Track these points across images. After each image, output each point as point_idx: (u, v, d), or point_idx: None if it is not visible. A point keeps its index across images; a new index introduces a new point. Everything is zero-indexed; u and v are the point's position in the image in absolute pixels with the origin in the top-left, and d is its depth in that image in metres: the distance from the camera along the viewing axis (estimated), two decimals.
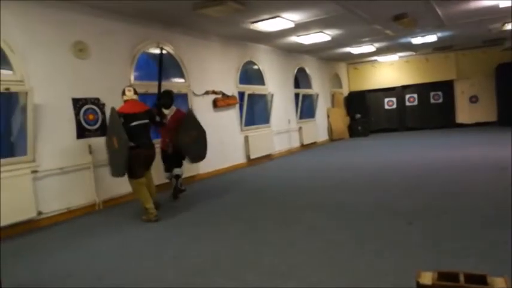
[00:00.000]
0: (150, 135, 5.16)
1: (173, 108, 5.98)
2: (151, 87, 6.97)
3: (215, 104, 8.24)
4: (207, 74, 8.17)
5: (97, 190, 5.75)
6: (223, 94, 8.48)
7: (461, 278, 1.66)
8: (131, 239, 4.24)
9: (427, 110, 15.08)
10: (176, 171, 5.99)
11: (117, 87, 6.19)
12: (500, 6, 7.92)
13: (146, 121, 5.03)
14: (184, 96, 7.58)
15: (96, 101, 5.86)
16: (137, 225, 4.77)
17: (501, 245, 3.07)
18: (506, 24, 10.17)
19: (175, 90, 7.43)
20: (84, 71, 5.75)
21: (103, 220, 5.24)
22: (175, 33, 7.36)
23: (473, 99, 14.47)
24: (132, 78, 6.49)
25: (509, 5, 7.80)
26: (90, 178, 5.70)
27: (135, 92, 5.22)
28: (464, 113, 14.62)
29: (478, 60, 14.15)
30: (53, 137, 5.30)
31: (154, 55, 7.43)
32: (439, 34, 10.78)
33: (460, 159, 7.47)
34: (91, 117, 5.79)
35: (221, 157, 8.33)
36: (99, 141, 5.81)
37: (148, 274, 3.18)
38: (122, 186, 6.09)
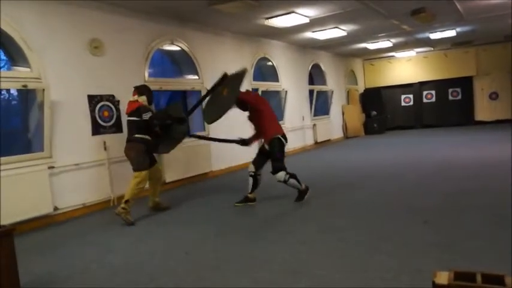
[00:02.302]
0: (130, 132, 5.01)
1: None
2: (166, 83, 7.03)
3: None
4: (221, 71, 8.09)
5: (112, 186, 5.80)
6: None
7: (479, 278, 1.62)
8: (145, 234, 4.26)
9: (445, 107, 14.77)
10: (277, 177, 4.97)
11: (132, 84, 6.23)
12: None
13: (132, 118, 4.99)
14: (197, 94, 7.59)
15: (111, 98, 5.90)
16: (151, 221, 4.80)
17: None
18: None
19: (188, 88, 7.48)
20: (99, 68, 5.79)
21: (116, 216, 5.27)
22: (189, 29, 7.36)
23: (493, 96, 14.10)
24: (147, 75, 6.52)
25: None
26: (105, 174, 5.75)
27: (134, 94, 5.18)
28: (483, 111, 14.27)
29: (498, 55, 13.76)
30: (69, 133, 5.36)
31: (168, 52, 7.46)
32: (458, 29, 10.52)
33: (478, 158, 7.30)
34: (106, 114, 5.84)
35: (234, 154, 8.31)
36: (114, 138, 5.87)
37: (161, 270, 3.19)
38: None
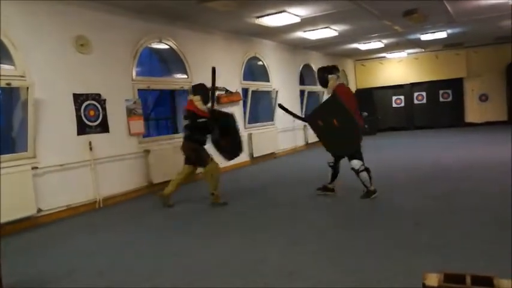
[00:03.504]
0: (188, 131, 5.20)
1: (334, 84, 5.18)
2: (154, 83, 6.91)
3: (218, 101, 8.10)
4: (210, 70, 8.03)
5: (98, 187, 5.67)
6: (227, 90, 8.36)
7: (468, 280, 1.64)
8: (132, 237, 4.15)
9: (436, 108, 14.82)
10: (351, 164, 4.97)
11: (119, 82, 6.14)
12: (511, 3, 7.70)
13: (186, 120, 5.23)
14: (186, 93, 7.47)
15: (97, 97, 5.77)
16: (137, 224, 4.70)
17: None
18: None
19: (177, 87, 7.37)
20: (85, 66, 5.66)
21: (103, 218, 5.17)
22: (178, 27, 7.24)
23: (483, 98, 14.19)
24: (134, 73, 6.40)
25: None
26: (91, 175, 5.62)
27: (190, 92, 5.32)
28: (473, 112, 14.35)
29: (489, 57, 13.84)
30: (54, 132, 5.23)
31: (156, 50, 7.34)
32: (449, 31, 10.55)
33: (470, 159, 7.29)
34: (92, 113, 5.71)
35: None
36: (100, 138, 5.75)
37: (148, 272, 3.11)
38: (123, 184, 6.05)
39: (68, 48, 5.44)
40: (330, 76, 5.16)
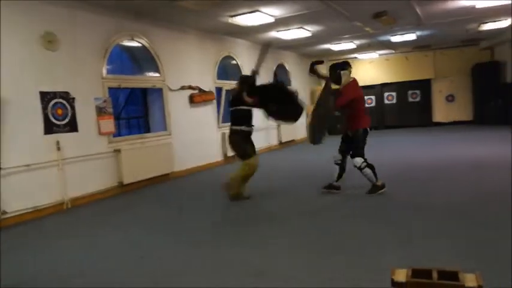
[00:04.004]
0: (232, 123, 5.30)
1: (348, 80, 5.22)
2: (125, 81, 6.77)
3: (191, 100, 8.05)
4: (184, 69, 7.97)
5: (65, 188, 5.51)
6: (200, 89, 8.29)
7: (434, 275, 1.69)
8: (100, 238, 4.05)
9: (405, 108, 15.22)
10: (354, 162, 5.03)
11: (89, 80, 5.98)
12: (477, 6, 7.99)
13: (231, 109, 5.33)
14: (159, 91, 7.37)
15: (65, 95, 5.60)
16: (106, 225, 4.59)
17: (481, 243, 3.09)
18: (482, 25, 10.32)
19: (149, 85, 7.25)
20: (53, 63, 5.48)
21: (71, 219, 5.02)
22: (150, 25, 7.12)
23: (450, 98, 14.68)
24: (105, 71, 6.24)
25: (485, 5, 7.88)
26: (59, 176, 5.45)
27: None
28: (441, 112, 14.83)
29: (455, 59, 14.34)
30: (19, 132, 5.03)
31: (128, 48, 7.19)
32: (418, 33, 10.86)
33: (439, 158, 7.51)
34: (60, 111, 5.53)
35: (197, 155, 8.16)
36: (69, 137, 5.59)
37: (116, 275, 3.04)
38: (92, 184, 5.90)
39: (34, 45, 5.25)
40: (342, 72, 5.16)
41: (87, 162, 5.85)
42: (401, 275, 1.71)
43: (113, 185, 6.25)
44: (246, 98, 5.12)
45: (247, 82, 5.26)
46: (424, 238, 3.35)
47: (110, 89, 6.36)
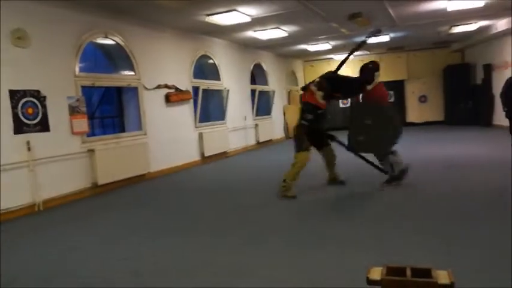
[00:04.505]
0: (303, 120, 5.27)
1: (376, 82, 5.34)
2: (99, 79, 6.62)
3: (168, 99, 7.94)
4: (159, 67, 7.87)
5: (37, 190, 5.33)
6: (177, 88, 8.20)
7: (408, 272, 1.72)
8: (77, 241, 3.93)
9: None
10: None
11: (61, 79, 5.81)
12: (448, 9, 8.23)
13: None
14: (134, 90, 7.24)
15: (36, 94, 5.42)
16: (82, 227, 4.47)
17: (452, 240, 3.17)
18: (453, 28, 10.64)
19: (124, 84, 7.12)
20: (23, 60, 5.29)
21: (43, 222, 4.86)
22: (125, 23, 6.99)
23: (423, 99, 15.08)
24: (77, 69, 6.08)
25: (457, 8, 8.12)
26: (29, 177, 5.27)
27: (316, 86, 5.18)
28: (414, 112, 15.20)
29: (427, 61, 14.74)
30: None
31: (102, 45, 7.04)
32: (392, 34, 11.08)
33: (413, 157, 7.67)
34: (30, 110, 5.34)
35: (174, 154, 8.07)
36: (40, 137, 5.41)
37: (96, 276, 2.97)
38: (65, 185, 5.74)
39: (3, 41, 5.05)
40: (376, 73, 5.25)
41: (59, 163, 5.68)
42: (376, 273, 1.74)
43: (87, 186, 6.10)
44: (319, 100, 5.18)
45: (324, 84, 5.20)
46: (402, 236, 3.41)
47: (83, 87, 6.20)
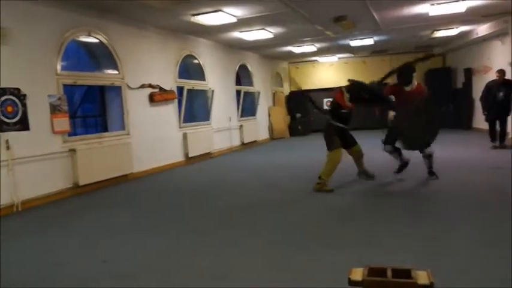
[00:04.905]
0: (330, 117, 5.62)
1: (414, 82, 5.66)
2: (81, 78, 6.51)
3: (152, 99, 7.86)
4: (144, 67, 7.78)
5: (16, 190, 5.21)
6: (161, 88, 8.12)
7: (389, 273, 1.75)
8: (54, 244, 3.85)
9: (364, 111, 15.65)
10: (427, 150, 5.58)
11: (42, 77, 5.69)
12: (430, 14, 8.38)
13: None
14: (117, 89, 7.14)
15: (16, 92, 5.29)
16: (61, 228, 4.38)
17: (428, 240, 3.21)
18: (435, 32, 10.85)
19: (107, 83, 7.02)
20: (3, 58, 5.15)
21: (21, 223, 4.75)
22: (109, 21, 6.89)
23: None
24: (59, 67, 5.96)
25: (438, 13, 8.28)
26: (8, 177, 5.14)
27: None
28: None
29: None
30: None
31: (85, 44, 6.92)
32: (376, 38, 11.23)
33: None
34: (10, 109, 5.22)
35: (157, 155, 8.00)
36: (19, 136, 5.29)
37: (74, 279, 2.91)
38: (45, 185, 5.63)
39: None
40: (414, 74, 5.56)
41: (39, 163, 5.56)
42: (358, 274, 1.76)
43: (68, 187, 5.99)
44: (346, 102, 5.43)
45: (353, 89, 5.44)
46: (384, 237, 3.45)
47: (65, 86, 6.09)
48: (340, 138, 5.48)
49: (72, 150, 6.02)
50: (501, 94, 7.96)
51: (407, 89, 5.56)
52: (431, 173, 5.68)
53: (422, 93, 5.63)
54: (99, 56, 7.06)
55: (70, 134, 6.22)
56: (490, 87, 8.21)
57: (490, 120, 8.37)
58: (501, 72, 8.12)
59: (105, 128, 7.32)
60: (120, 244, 3.70)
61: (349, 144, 5.72)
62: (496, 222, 3.64)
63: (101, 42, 6.79)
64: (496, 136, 8.29)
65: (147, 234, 3.99)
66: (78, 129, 7.30)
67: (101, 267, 3.13)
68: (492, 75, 9.20)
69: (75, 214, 5.00)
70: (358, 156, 5.86)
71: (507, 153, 7.54)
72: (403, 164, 5.81)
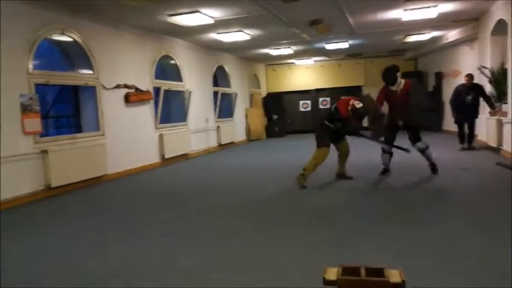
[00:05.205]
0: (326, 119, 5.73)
1: (401, 81, 5.93)
2: (54, 77, 6.35)
3: (127, 99, 7.75)
4: (119, 67, 7.67)
5: None
6: (137, 89, 8.02)
7: (362, 272, 1.78)
8: (23, 246, 3.73)
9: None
10: (418, 145, 5.97)
11: (12, 76, 5.52)
12: (403, 19, 8.62)
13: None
14: (91, 89, 7.01)
15: None
16: (31, 231, 4.25)
17: (403, 240, 3.29)
18: (407, 37, 11.16)
19: (81, 83, 6.88)
20: None
21: None
22: (84, 19, 6.76)
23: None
24: (31, 66, 5.81)
25: (411, 19, 8.52)
26: None
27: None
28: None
29: (383, 68, 15.26)
30: None
31: (58, 42, 6.77)
32: (351, 41, 11.45)
33: (368, 159, 7.94)
34: None
35: (133, 156, 7.88)
36: None
37: (43, 284, 2.82)
38: (15, 188, 5.46)
39: None
40: (397, 74, 5.95)
41: (9, 164, 5.38)
42: (332, 274, 1.79)
43: (40, 189, 5.83)
44: (345, 110, 5.55)
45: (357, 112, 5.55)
46: (357, 238, 3.53)
47: (37, 85, 5.93)
48: (331, 135, 5.68)
49: (44, 152, 5.86)
50: (469, 97, 8.25)
51: (394, 88, 5.86)
52: (433, 167, 5.98)
53: (409, 90, 5.85)
54: (73, 55, 6.92)
55: (42, 135, 6.05)
56: (459, 91, 8.49)
57: (459, 122, 8.66)
58: (469, 76, 8.41)
59: (79, 129, 7.17)
60: (92, 247, 3.62)
61: (340, 139, 5.88)
62: (476, 224, 3.78)
63: (75, 41, 6.65)
64: (465, 138, 8.59)
65: (121, 236, 3.93)
66: (50, 130, 7.11)
67: (70, 272, 3.06)
68: (461, 79, 9.52)
69: (46, 217, 4.88)
70: (344, 153, 5.97)
71: (475, 155, 7.84)
72: (386, 170, 6.12)
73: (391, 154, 6.13)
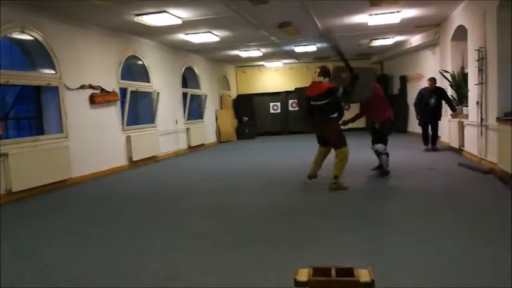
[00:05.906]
0: (324, 114, 5.48)
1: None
2: (14, 77, 6.09)
3: (92, 100, 7.54)
4: (84, 67, 7.45)
5: None
6: (102, 89, 7.82)
7: (333, 272, 1.80)
8: None
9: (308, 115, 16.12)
10: (375, 147, 6.11)
11: None
12: (369, 24, 8.83)
13: (321, 102, 5.41)
14: (54, 90, 6.77)
15: None
16: None
17: (373, 239, 3.37)
18: (373, 41, 11.45)
19: (43, 83, 6.64)
20: None
21: None
22: (45, 18, 6.52)
23: (346, 107, 15.87)
24: None
25: (377, 23, 8.75)
26: None
27: (319, 75, 5.60)
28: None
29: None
30: None
31: (18, 41, 6.50)
32: (318, 45, 11.63)
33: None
34: None
35: (98, 159, 7.67)
36: None
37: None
38: None
39: None
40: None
41: None
42: (303, 275, 1.80)
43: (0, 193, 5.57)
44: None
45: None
46: (329, 237, 3.57)
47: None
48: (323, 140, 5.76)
49: (4, 155, 5.61)
50: (432, 100, 8.55)
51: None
52: (384, 172, 6.04)
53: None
54: (35, 55, 6.66)
55: (2, 137, 5.78)
56: (423, 94, 8.79)
57: (422, 124, 8.97)
58: (432, 80, 8.73)
59: (41, 131, 6.89)
60: (57, 253, 3.50)
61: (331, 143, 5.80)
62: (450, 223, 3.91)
63: (35, 39, 6.40)
64: (428, 139, 8.89)
65: (87, 241, 3.82)
66: (10, 132, 6.82)
67: (37, 278, 2.95)
68: (424, 83, 9.86)
69: (7, 222, 4.66)
70: (324, 156, 5.92)
71: (439, 156, 8.13)
72: (386, 172, 6.11)
73: (387, 154, 6.12)
